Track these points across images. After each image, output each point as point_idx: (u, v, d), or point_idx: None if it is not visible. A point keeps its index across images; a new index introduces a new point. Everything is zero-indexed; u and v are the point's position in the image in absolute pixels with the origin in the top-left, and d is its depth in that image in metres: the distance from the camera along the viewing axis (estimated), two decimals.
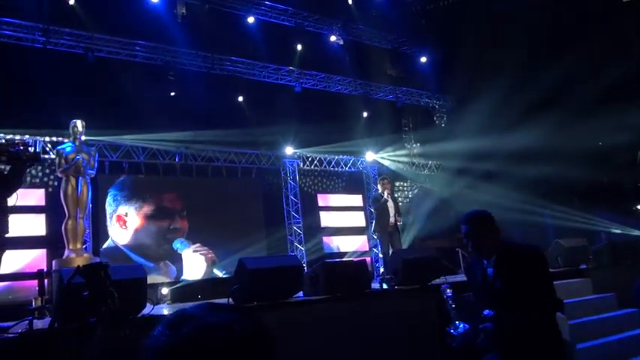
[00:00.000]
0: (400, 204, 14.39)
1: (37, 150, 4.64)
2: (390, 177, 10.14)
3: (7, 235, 4.42)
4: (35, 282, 9.20)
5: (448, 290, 3.43)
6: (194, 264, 12.12)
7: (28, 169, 4.69)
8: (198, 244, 12.25)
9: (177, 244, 12.05)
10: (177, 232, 12.14)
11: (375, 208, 8.79)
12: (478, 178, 14.00)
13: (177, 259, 11.98)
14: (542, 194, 13.23)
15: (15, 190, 4.42)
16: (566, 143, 12.06)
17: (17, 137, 9.71)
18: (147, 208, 11.90)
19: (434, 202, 14.70)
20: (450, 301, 3.30)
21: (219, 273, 12.28)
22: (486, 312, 3.08)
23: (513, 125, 12.67)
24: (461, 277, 9.44)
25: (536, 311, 2.90)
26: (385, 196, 8.62)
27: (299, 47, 13.97)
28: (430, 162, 16.50)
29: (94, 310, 2.90)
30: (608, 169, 12.65)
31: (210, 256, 12.30)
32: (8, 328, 3.96)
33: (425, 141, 16.23)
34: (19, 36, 10.59)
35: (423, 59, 16.10)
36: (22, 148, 4.39)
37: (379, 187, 8.92)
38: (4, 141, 8.69)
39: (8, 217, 4.42)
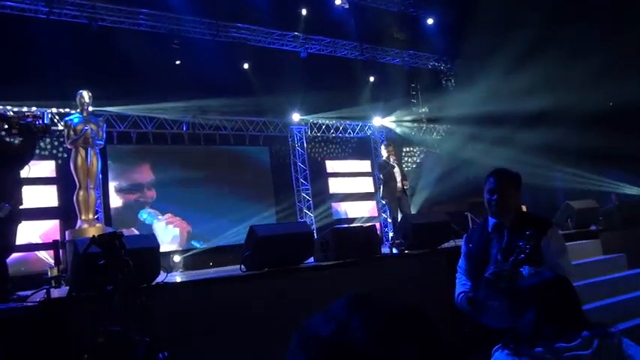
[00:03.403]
0: (408, 169, 14.37)
1: (46, 122, 4.64)
2: (398, 142, 10.08)
3: (21, 207, 4.48)
4: (48, 253, 9.38)
5: None
6: (167, 236, 11.75)
7: (39, 141, 4.72)
8: (168, 214, 11.97)
9: (143, 215, 11.77)
10: (145, 204, 11.83)
11: (382, 175, 8.78)
12: (487, 141, 13.90)
13: (146, 230, 11.38)
14: (553, 156, 13.14)
15: (27, 162, 4.46)
16: (577, 104, 11.90)
17: (25, 109, 9.72)
18: (118, 181, 11.72)
19: (443, 167, 14.65)
20: None
21: (197, 245, 12.04)
22: None
23: (523, 87, 12.50)
24: None
25: None
26: (391, 162, 8.61)
27: (304, 12, 13.72)
28: (438, 126, 16.38)
29: (110, 278, 2.95)
30: (620, 129, 12.50)
31: (185, 227, 12.07)
32: (27, 297, 4.05)
33: (433, 105, 16.07)
34: (22, 7, 10.48)
35: (430, 21, 15.80)
36: (31, 119, 4.41)
37: (384, 153, 8.89)
38: (12, 113, 8.70)
39: (22, 188, 4.47)
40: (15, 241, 4.53)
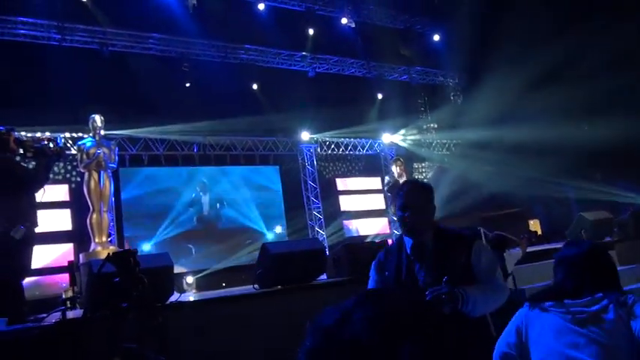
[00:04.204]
0: None
1: (60, 145, 4.71)
2: (408, 158, 10.05)
3: (36, 230, 4.53)
4: (62, 276, 9.43)
5: None
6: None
7: (53, 164, 4.78)
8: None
9: None
10: None
11: (390, 192, 8.71)
12: (497, 154, 13.85)
13: None
14: (565, 168, 13.05)
15: (42, 186, 4.52)
16: (587, 115, 11.86)
17: (38, 134, 9.85)
18: None
19: (453, 181, 14.59)
20: None
21: None
22: None
23: (531, 100, 12.49)
24: None
25: None
26: (397, 177, 8.56)
27: (311, 32, 13.88)
28: (447, 141, 16.37)
29: (125, 295, 2.97)
30: (630, 139, 12.42)
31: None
32: (43, 319, 4.07)
33: (441, 120, 16.08)
34: (35, 34, 10.72)
35: (436, 37, 15.91)
36: (46, 143, 4.48)
37: (393, 169, 8.86)
38: (26, 138, 8.83)
39: (37, 211, 4.53)
40: (30, 264, 4.56)
